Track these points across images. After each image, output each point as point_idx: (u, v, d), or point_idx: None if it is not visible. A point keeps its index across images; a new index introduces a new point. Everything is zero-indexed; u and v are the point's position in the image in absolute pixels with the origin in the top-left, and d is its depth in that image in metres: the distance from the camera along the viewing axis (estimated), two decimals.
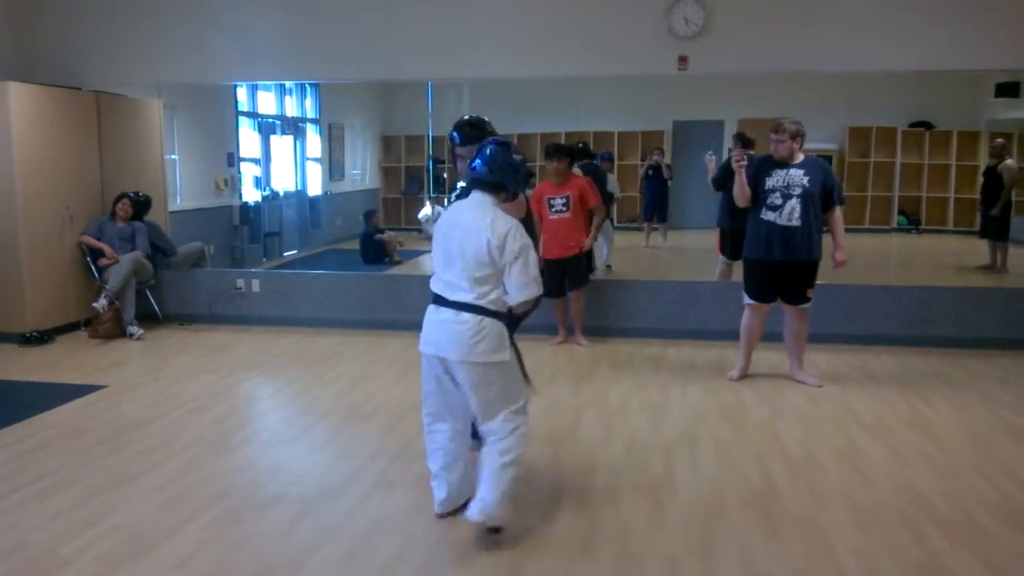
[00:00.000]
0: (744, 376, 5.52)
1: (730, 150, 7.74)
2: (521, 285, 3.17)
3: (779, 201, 5.11)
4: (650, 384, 5.49)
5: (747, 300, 5.43)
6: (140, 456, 4.21)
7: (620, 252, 9.17)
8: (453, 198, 3.97)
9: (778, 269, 5.21)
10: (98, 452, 4.26)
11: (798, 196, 5.09)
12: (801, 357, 5.48)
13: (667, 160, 9.87)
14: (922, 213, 11.95)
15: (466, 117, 3.85)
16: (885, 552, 3.17)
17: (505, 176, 3.27)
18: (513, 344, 3.37)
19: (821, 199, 5.15)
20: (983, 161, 9.86)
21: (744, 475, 3.95)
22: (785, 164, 5.16)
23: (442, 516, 3.47)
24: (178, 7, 7.07)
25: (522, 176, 3.34)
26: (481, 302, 3.19)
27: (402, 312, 7.12)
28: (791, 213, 5.09)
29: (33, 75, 6.98)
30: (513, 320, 3.41)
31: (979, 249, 9.35)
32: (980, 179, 9.54)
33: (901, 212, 12.06)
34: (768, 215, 5.16)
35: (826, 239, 5.27)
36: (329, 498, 3.69)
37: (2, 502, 3.65)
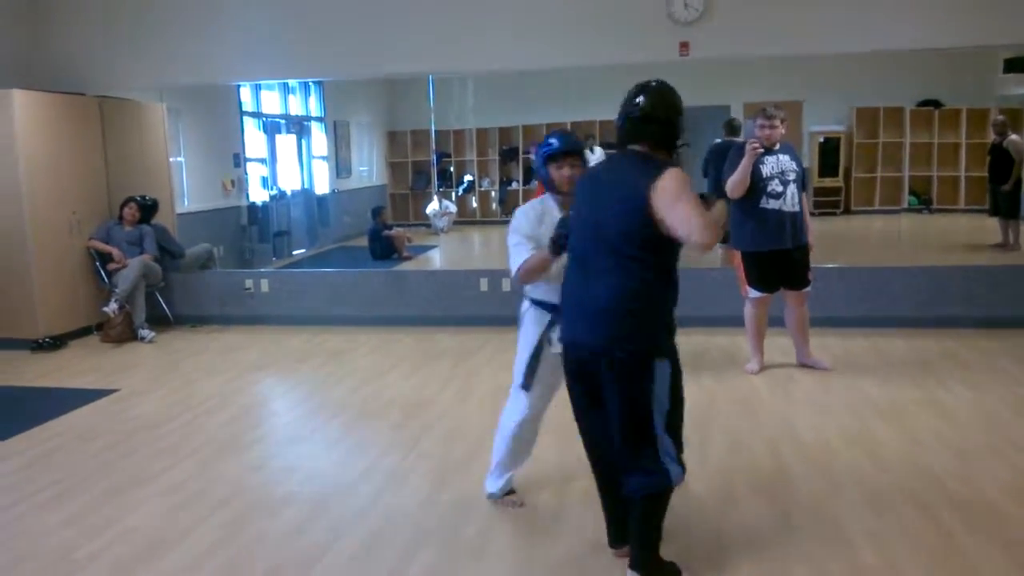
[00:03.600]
0: (763, 368, 5.41)
1: (719, 140, 7.69)
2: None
3: (780, 188, 5.05)
4: None
5: (754, 294, 5.29)
6: (153, 458, 4.23)
7: None
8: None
9: (785, 256, 5.16)
10: (111, 455, 4.28)
11: (793, 181, 5.07)
12: (808, 341, 5.44)
13: None
14: (933, 192, 11.85)
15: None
16: (900, 536, 3.15)
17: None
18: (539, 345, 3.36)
19: None
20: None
21: (755, 461, 3.93)
22: (771, 150, 5.10)
23: None
24: (178, 9, 7.06)
25: (535, 167, 3.38)
26: None
27: (411, 308, 7.12)
28: (792, 198, 5.06)
29: (36, 82, 7.00)
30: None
31: (992, 227, 9.27)
32: (987, 157, 9.44)
33: (911, 192, 11.96)
34: (772, 203, 5.06)
35: None
36: (341, 496, 3.70)
37: (17, 507, 3.68)
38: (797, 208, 5.08)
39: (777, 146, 5.12)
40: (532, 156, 3.46)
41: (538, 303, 3.33)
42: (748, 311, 5.38)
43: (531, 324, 3.34)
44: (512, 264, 3.20)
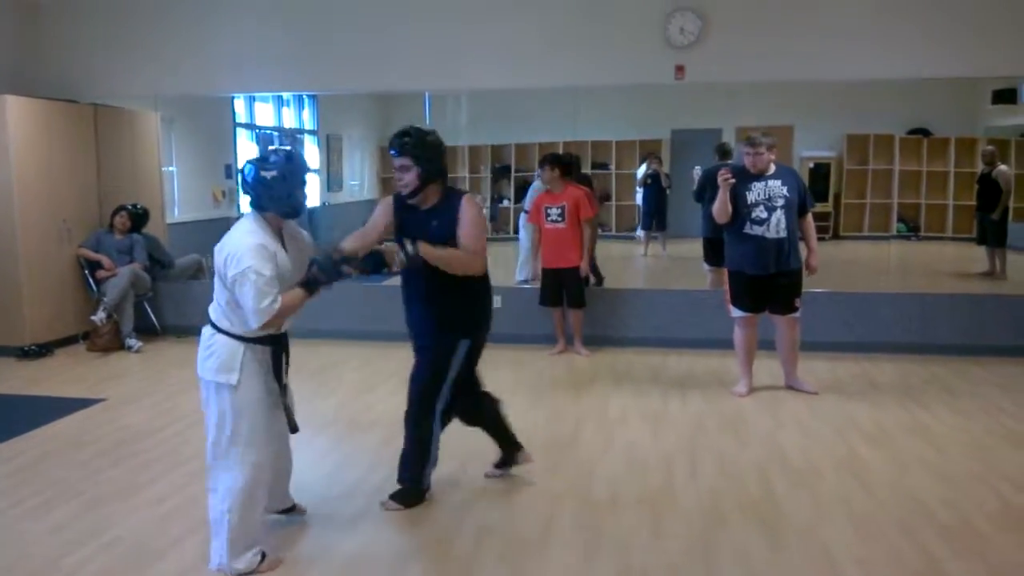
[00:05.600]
0: (752, 390, 5.43)
1: (700, 167, 7.74)
2: (248, 311, 2.95)
3: (764, 215, 5.06)
4: (650, 393, 5.49)
5: (737, 313, 5.33)
6: (140, 469, 4.19)
7: (619, 261, 9.17)
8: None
9: (769, 281, 5.17)
10: (98, 465, 4.25)
11: (782, 207, 5.06)
12: (796, 364, 5.46)
13: (666, 169, 9.89)
14: (921, 220, 11.95)
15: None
16: (886, 561, 3.16)
17: (254, 192, 3.08)
18: (284, 388, 3.20)
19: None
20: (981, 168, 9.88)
21: (744, 484, 3.94)
22: (761, 176, 5.12)
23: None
24: (175, 19, 7.08)
25: (277, 193, 3.06)
26: (216, 318, 3.09)
27: (401, 323, 7.08)
28: (778, 225, 5.05)
29: (31, 88, 6.98)
30: None
31: (978, 256, 9.36)
32: (976, 186, 9.57)
33: (900, 219, 12.06)
34: (755, 229, 5.09)
35: None
36: (329, 509, 3.68)
37: (2, 516, 3.64)
38: (783, 234, 5.07)
39: (771, 170, 5.14)
40: (266, 170, 3.05)
41: (259, 340, 3.10)
42: (736, 332, 5.42)
43: (255, 365, 3.08)
44: (262, 304, 2.93)
